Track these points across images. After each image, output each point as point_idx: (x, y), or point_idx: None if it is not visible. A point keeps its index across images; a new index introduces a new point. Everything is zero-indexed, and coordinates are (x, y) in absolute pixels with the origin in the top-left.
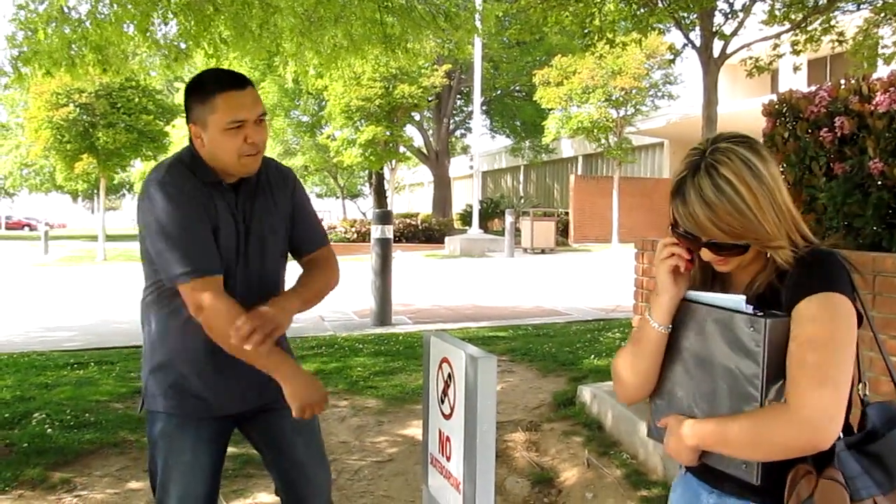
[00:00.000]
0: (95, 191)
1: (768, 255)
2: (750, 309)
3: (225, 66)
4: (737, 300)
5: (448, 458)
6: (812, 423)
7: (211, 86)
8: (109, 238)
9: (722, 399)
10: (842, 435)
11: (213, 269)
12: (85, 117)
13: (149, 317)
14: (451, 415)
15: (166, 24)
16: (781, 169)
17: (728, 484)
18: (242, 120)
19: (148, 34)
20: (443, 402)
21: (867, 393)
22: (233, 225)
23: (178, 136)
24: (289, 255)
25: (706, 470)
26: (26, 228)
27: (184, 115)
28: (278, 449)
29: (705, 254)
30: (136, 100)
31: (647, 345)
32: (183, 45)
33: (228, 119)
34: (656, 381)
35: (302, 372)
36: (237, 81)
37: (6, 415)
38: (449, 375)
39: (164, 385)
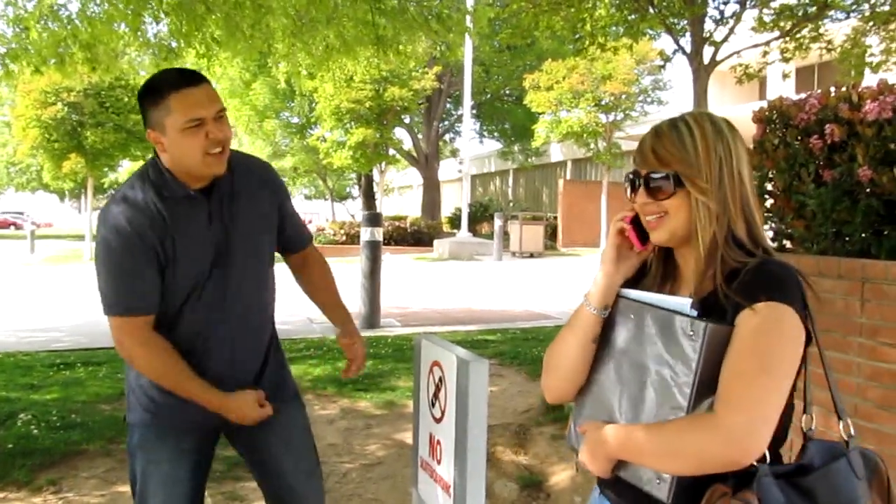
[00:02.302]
0: (83, 190)
1: (717, 256)
2: (694, 312)
3: (216, 67)
4: (682, 302)
5: (438, 462)
6: (732, 436)
7: (163, 87)
8: (96, 238)
9: (649, 406)
10: (768, 460)
11: (138, 310)
12: (73, 116)
13: None
14: (441, 418)
15: (157, 24)
16: (771, 175)
17: None
18: (200, 118)
19: (139, 33)
20: (433, 405)
21: (813, 427)
22: (207, 235)
23: None
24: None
25: (621, 492)
26: (12, 227)
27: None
28: (265, 467)
29: (640, 197)
30: (125, 99)
31: (576, 327)
32: (174, 45)
33: (185, 118)
34: (583, 377)
35: (228, 402)
36: (190, 78)
37: None
38: (440, 379)
39: (144, 396)
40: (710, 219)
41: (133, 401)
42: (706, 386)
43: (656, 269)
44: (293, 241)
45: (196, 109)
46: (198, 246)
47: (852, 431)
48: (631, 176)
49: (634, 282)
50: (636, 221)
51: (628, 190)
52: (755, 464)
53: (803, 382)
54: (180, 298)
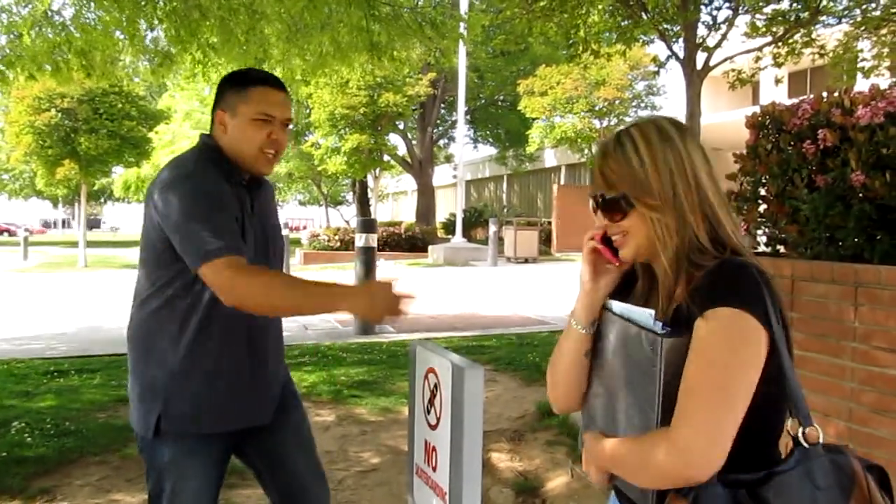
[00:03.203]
0: (76, 197)
1: (683, 267)
2: (658, 326)
3: (212, 73)
4: (647, 314)
5: (434, 469)
6: (687, 453)
7: (251, 77)
8: (90, 244)
9: (626, 418)
10: (724, 468)
11: (236, 250)
12: (67, 122)
13: (153, 326)
14: (437, 425)
15: (152, 30)
16: (764, 180)
17: None
18: (272, 116)
19: (135, 39)
20: (429, 412)
21: (802, 441)
22: (249, 224)
23: (160, 142)
24: None
25: (623, 498)
26: (5, 234)
27: (167, 121)
28: (280, 469)
29: (599, 219)
30: (119, 105)
31: (565, 343)
32: (171, 50)
33: (259, 110)
34: (581, 389)
35: (353, 289)
36: (276, 81)
37: None
38: (435, 385)
39: (186, 401)
40: (667, 233)
41: (172, 408)
42: (672, 399)
43: (642, 280)
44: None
45: (271, 107)
46: (248, 232)
47: (820, 437)
48: (590, 196)
49: (626, 290)
50: (607, 237)
51: (592, 209)
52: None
53: (786, 387)
54: None
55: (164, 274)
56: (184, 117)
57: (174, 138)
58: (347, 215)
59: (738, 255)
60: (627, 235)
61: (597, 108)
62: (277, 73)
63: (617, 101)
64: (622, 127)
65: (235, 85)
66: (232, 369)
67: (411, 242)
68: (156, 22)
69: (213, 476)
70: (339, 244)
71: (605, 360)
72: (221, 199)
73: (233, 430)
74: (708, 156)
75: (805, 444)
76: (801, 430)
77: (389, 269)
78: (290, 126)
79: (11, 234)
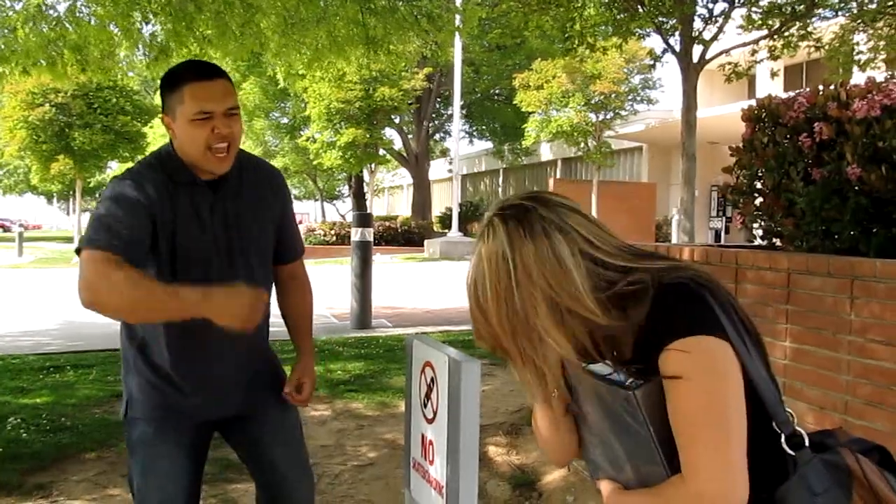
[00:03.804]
0: (71, 192)
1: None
2: (622, 377)
3: None
4: (609, 371)
5: (431, 463)
6: (707, 499)
7: (181, 76)
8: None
9: (632, 465)
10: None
11: (113, 247)
12: (61, 117)
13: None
14: (433, 419)
15: (147, 24)
16: (760, 174)
17: None
18: (209, 111)
19: (130, 34)
20: (425, 406)
21: (786, 449)
22: (206, 225)
23: (155, 136)
24: None
25: None
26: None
27: (161, 115)
28: (259, 460)
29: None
30: (114, 100)
31: (543, 412)
32: (168, 44)
33: (195, 110)
34: (573, 441)
35: (210, 297)
36: (207, 72)
37: None
38: (432, 379)
39: (145, 389)
40: (541, 352)
41: (135, 395)
42: (669, 443)
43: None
44: (286, 251)
45: (206, 102)
46: (198, 235)
47: (805, 441)
48: None
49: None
50: None
51: None
52: None
53: (759, 398)
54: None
55: None
56: None
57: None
58: (343, 210)
59: (635, 271)
60: (547, 371)
61: (593, 102)
62: (275, 66)
63: (613, 95)
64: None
65: (169, 87)
66: (185, 362)
67: (407, 237)
68: (150, 16)
69: (184, 460)
70: (335, 238)
71: (587, 412)
72: (131, 203)
73: (196, 419)
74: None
75: (792, 453)
76: (782, 437)
77: (385, 263)
78: (236, 109)
79: (6, 229)
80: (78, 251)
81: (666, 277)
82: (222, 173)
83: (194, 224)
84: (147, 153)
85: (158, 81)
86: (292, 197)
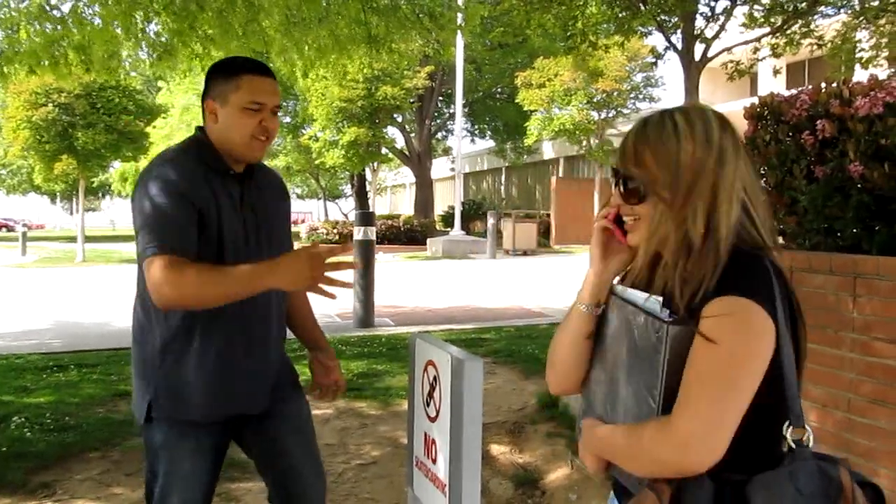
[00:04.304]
0: (74, 192)
1: (699, 262)
2: (666, 313)
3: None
4: (654, 301)
5: (433, 461)
6: (684, 444)
7: (239, 65)
8: (88, 239)
9: (626, 406)
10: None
11: (183, 249)
12: (64, 117)
13: (144, 318)
14: (436, 417)
15: (149, 23)
16: (763, 171)
17: None
18: (262, 103)
19: (131, 33)
20: (428, 404)
21: (790, 441)
22: (239, 215)
23: (158, 136)
24: None
25: (618, 486)
26: (3, 229)
27: (164, 115)
28: (274, 457)
29: (615, 198)
30: (117, 100)
31: (569, 323)
32: (172, 43)
33: (250, 98)
34: (580, 372)
35: (276, 264)
36: (264, 69)
37: None
38: (434, 378)
39: (172, 393)
40: (671, 226)
41: (161, 397)
42: (674, 389)
43: (646, 268)
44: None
45: (262, 95)
46: (232, 222)
47: (811, 441)
48: (612, 171)
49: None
50: (619, 217)
51: (612, 184)
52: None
53: (783, 388)
54: None
55: None
56: (181, 112)
57: (171, 133)
58: (346, 209)
59: (762, 255)
60: (639, 221)
61: (595, 100)
62: (277, 65)
63: (615, 93)
64: (669, 108)
65: (224, 74)
66: (217, 360)
67: (410, 235)
68: (153, 15)
69: (206, 462)
70: (337, 237)
71: (608, 346)
72: (178, 196)
73: (221, 418)
74: (744, 151)
75: (793, 445)
76: (789, 429)
77: (387, 262)
78: (279, 108)
79: (10, 229)
80: (140, 255)
81: (748, 248)
82: (257, 160)
83: (228, 213)
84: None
85: (162, 81)
86: (294, 197)
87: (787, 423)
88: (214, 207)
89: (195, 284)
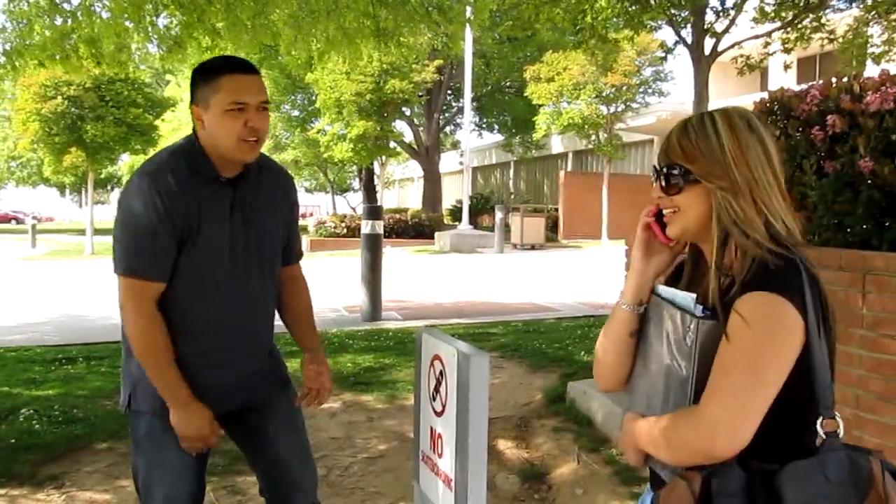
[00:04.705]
0: (83, 184)
1: (725, 253)
2: (699, 309)
3: None
4: (689, 298)
5: (440, 455)
6: (711, 431)
7: (218, 67)
8: (97, 232)
9: (664, 400)
10: (745, 452)
11: (145, 274)
12: (73, 110)
13: None
14: (442, 412)
15: (158, 16)
16: None
17: None
18: (245, 103)
19: (141, 26)
20: (434, 399)
21: (820, 431)
22: (227, 222)
23: (167, 129)
24: None
25: (656, 477)
26: (13, 222)
27: (173, 108)
28: (260, 449)
29: (655, 191)
30: (125, 93)
31: (613, 322)
32: (177, 36)
33: (231, 100)
34: (625, 369)
35: (191, 407)
36: (244, 66)
37: None
38: (441, 372)
39: (146, 386)
40: (732, 214)
41: (140, 390)
42: (704, 381)
43: (688, 267)
44: (290, 253)
45: (243, 94)
46: (218, 231)
47: (841, 431)
48: (652, 169)
49: (676, 279)
50: (661, 215)
51: (653, 183)
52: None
53: (814, 383)
54: (198, 283)
55: None
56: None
57: (180, 126)
58: (354, 202)
59: (789, 249)
60: (678, 212)
61: (604, 94)
62: (294, 55)
63: (624, 87)
64: (708, 110)
65: (204, 77)
66: (192, 359)
67: (418, 229)
68: (161, 8)
69: (190, 454)
70: (345, 231)
71: (649, 343)
72: (154, 218)
73: None
74: (776, 148)
75: (823, 435)
76: (821, 420)
77: (395, 255)
78: (267, 105)
79: (19, 221)
80: (114, 268)
81: (783, 251)
82: (249, 161)
83: (217, 220)
84: (159, 146)
85: (170, 75)
86: (303, 191)
87: (817, 415)
88: (196, 218)
89: (138, 334)
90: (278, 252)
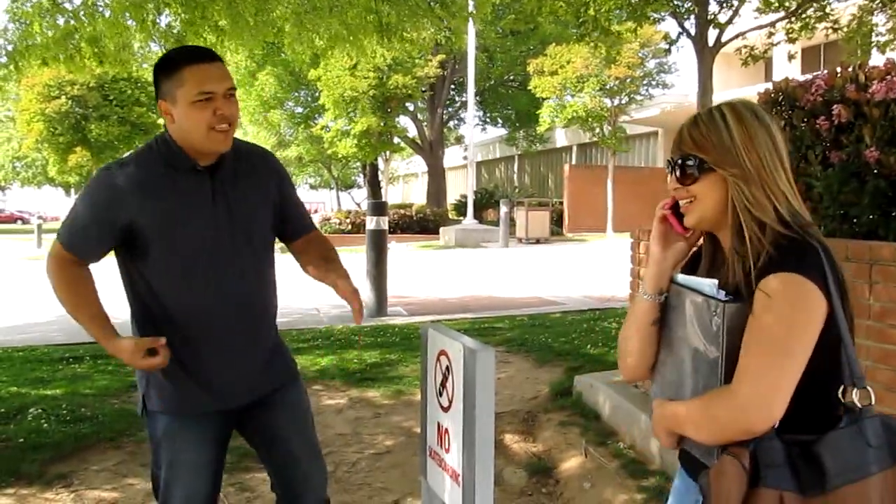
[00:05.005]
0: None
1: (745, 239)
2: (722, 294)
3: (225, 56)
4: (710, 284)
5: (447, 451)
6: (745, 407)
7: (178, 59)
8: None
9: (693, 384)
10: (777, 425)
11: (74, 247)
12: (77, 109)
13: (134, 321)
14: (449, 407)
15: (160, 14)
16: None
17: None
18: (211, 92)
19: (145, 25)
20: (441, 394)
21: (855, 401)
22: (209, 211)
23: None
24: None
25: (689, 459)
26: (19, 222)
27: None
28: (272, 443)
29: (671, 183)
30: (129, 92)
31: (635, 313)
32: (183, 34)
33: (196, 91)
34: (649, 358)
35: (112, 344)
36: (204, 55)
37: (1, 410)
38: (447, 368)
39: (165, 383)
40: (746, 201)
41: (151, 391)
42: (733, 361)
43: (706, 257)
44: (296, 226)
45: (208, 83)
46: (199, 220)
47: (872, 400)
48: (666, 163)
49: (692, 268)
50: (677, 207)
51: (668, 176)
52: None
53: (841, 358)
54: (179, 273)
55: (123, 267)
56: None
57: None
58: (358, 198)
59: (810, 232)
60: (694, 202)
61: (607, 87)
62: (296, 50)
63: (628, 80)
64: (717, 104)
65: (166, 71)
66: (187, 352)
67: (422, 224)
68: (163, 6)
69: (208, 451)
70: (350, 227)
71: (672, 331)
72: (99, 211)
73: (214, 410)
74: (783, 137)
75: (859, 405)
76: (854, 391)
77: (400, 251)
78: (234, 90)
79: (25, 221)
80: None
81: (802, 236)
82: (224, 151)
83: (197, 210)
84: None
85: None
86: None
87: (842, 387)
88: (170, 209)
89: (62, 288)
90: (268, 236)
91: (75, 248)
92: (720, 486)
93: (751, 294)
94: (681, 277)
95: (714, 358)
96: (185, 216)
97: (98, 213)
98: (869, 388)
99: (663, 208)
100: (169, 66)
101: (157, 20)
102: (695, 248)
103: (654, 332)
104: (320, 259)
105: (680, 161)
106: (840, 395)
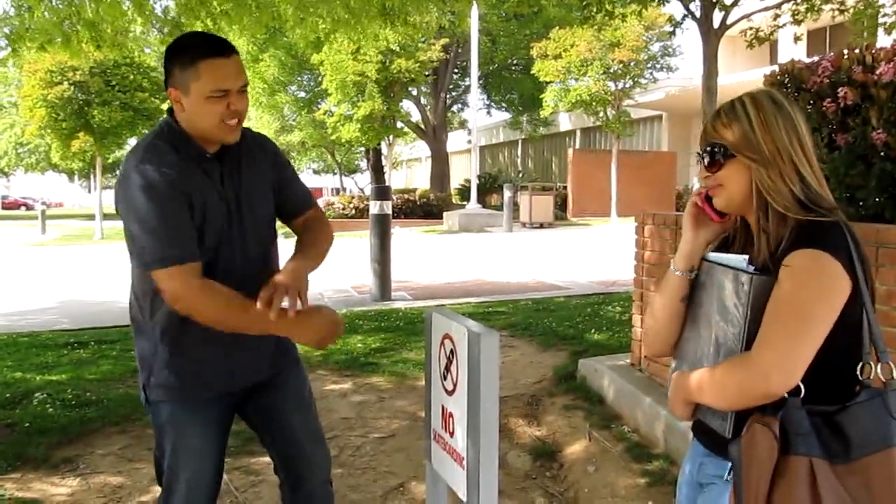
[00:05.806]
0: (91, 169)
1: (770, 219)
2: (750, 268)
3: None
4: (740, 259)
5: (451, 434)
6: (764, 371)
7: (195, 51)
8: (106, 216)
9: (714, 354)
10: (802, 393)
11: (190, 257)
12: (80, 95)
13: (146, 302)
14: (453, 391)
15: None
16: None
17: (717, 446)
18: (227, 89)
19: (144, 9)
20: (445, 378)
21: (872, 377)
22: (220, 198)
23: None
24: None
25: (701, 431)
26: (23, 208)
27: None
28: (275, 427)
29: (701, 172)
30: (131, 77)
31: (666, 289)
32: (181, 20)
33: (212, 87)
34: (674, 334)
35: (303, 319)
36: (222, 49)
37: (7, 395)
38: (451, 352)
39: (168, 370)
40: (769, 185)
41: (156, 376)
42: (754, 333)
43: (738, 238)
44: (296, 205)
45: (225, 81)
46: (214, 207)
47: (895, 374)
48: (696, 155)
49: (725, 249)
50: (709, 198)
51: (699, 167)
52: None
53: (863, 334)
54: (203, 261)
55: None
56: None
57: None
58: (362, 183)
59: (832, 214)
60: (721, 187)
61: (611, 71)
62: (294, 39)
63: (632, 63)
64: (738, 96)
65: (181, 61)
66: (203, 343)
67: (426, 209)
68: None
69: (212, 436)
70: (354, 212)
71: (699, 305)
72: (170, 197)
73: (218, 394)
74: (805, 122)
75: (882, 378)
76: (878, 365)
77: (404, 236)
78: (247, 85)
79: (29, 207)
80: (146, 265)
81: (827, 217)
82: (233, 142)
83: (211, 195)
84: None
85: None
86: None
87: (861, 364)
88: (200, 195)
89: (216, 309)
90: (272, 220)
91: (187, 251)
92: (752, 454)
93: (776, 271)
94: (713, 255)
95: (737, 330)
96: (203, 205)
97: (170, 204)
98: (892, 364)
99: (698, 197)
100: (184, 56)
101: (153, 6)
102: (726, 234)
103: (682, 308)
104: (304, 244)
105: (707, 149)
106: (858, 373)
